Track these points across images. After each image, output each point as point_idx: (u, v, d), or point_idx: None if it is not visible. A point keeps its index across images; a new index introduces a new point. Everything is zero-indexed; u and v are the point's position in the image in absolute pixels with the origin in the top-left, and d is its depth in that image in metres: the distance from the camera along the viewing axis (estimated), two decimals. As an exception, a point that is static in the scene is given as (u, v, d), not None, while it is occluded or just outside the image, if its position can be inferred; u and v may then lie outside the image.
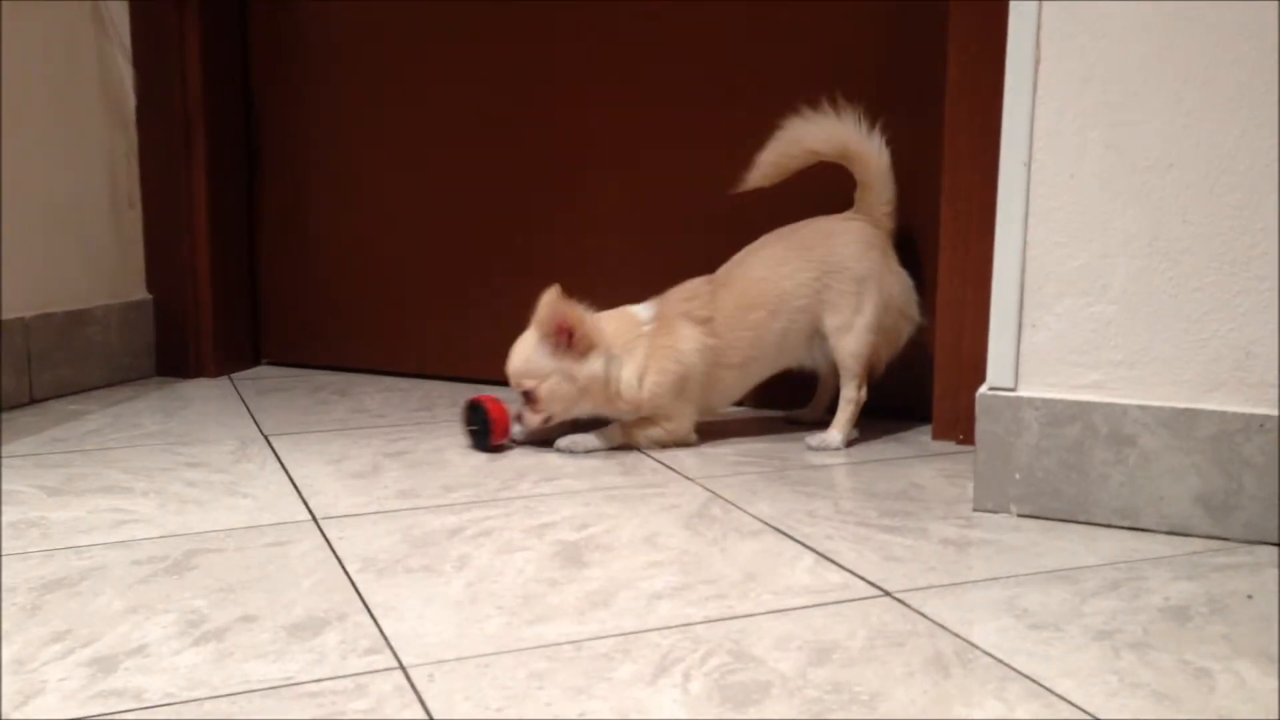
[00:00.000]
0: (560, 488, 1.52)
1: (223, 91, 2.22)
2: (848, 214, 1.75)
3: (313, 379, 2.23)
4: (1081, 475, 1.36)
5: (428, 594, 1.15)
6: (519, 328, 1.67)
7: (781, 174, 1.73)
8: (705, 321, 1.69)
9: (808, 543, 1.31)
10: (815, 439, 1.73)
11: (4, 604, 1.12)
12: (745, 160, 1.73)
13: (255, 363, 2.35)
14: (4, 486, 1.51)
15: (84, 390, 2.12)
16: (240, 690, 0.95)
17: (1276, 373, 1.27)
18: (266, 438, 1.77)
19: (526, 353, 1.66)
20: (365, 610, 1.11)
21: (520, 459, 1.66)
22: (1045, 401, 1.37)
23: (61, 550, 1.27)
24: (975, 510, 1.41)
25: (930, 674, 0.98)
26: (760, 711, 0.91)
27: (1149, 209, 1.30)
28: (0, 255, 1.93)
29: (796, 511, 1.42)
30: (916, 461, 1.65)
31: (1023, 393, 1.38)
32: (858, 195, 1.75)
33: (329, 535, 1.33)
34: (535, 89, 2.07)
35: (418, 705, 0.92)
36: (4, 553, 1.26)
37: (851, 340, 1.70)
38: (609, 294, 1.74)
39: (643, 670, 0.99)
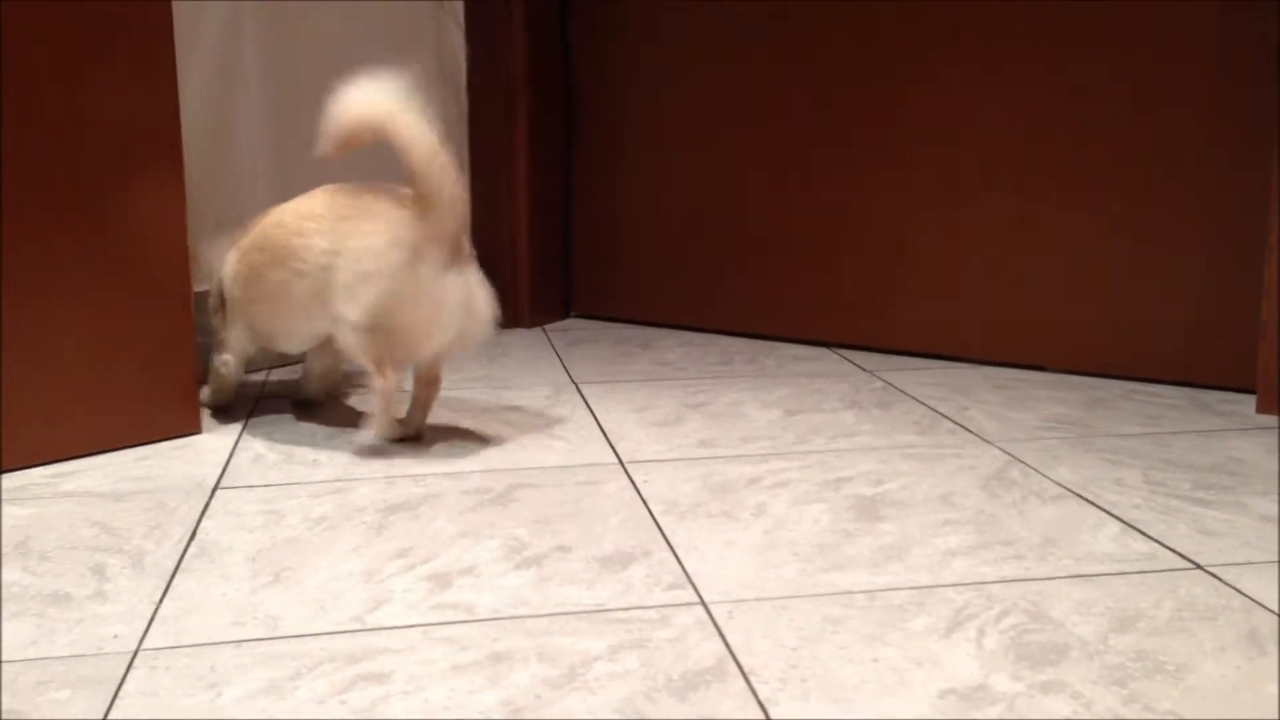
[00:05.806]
0: (856, 444, 1.54)
1: (544, 62, 2.34)
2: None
3: (618, 331, 2.34)
4: None
5: (727, 538, 1.21)
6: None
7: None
8: None
9: (1112, 510, 1.27)
10: None
11: (356, 522, 1.26)
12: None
13: (565, 315, 2.48)
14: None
15: (415, 337, 2.31)
16: (558, 611, 1.04)
17: None
18: (576, 385, 1.88)
19: None
20: (668, 548, 1.18)
21: (813, 416, 1.69)
22: (1389, 375, 1.27)
23: (401, 478, 1.41)
24: (1302, 488, 1.33)
25: (1244, 649, 0.94)
26: (1058, 673, 0.91)
27: None
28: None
29: (1101, 479, 1.38)
30: (1235, 434, 1.57)
31: (1363, 365, 1.29)
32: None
33: (634, 478, 1.41)
34: (861, 75, 2.08)
35: (718, 639, 0.98)
36: (355, 478, 1.42)
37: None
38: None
39: (936, 623, 1.00)
